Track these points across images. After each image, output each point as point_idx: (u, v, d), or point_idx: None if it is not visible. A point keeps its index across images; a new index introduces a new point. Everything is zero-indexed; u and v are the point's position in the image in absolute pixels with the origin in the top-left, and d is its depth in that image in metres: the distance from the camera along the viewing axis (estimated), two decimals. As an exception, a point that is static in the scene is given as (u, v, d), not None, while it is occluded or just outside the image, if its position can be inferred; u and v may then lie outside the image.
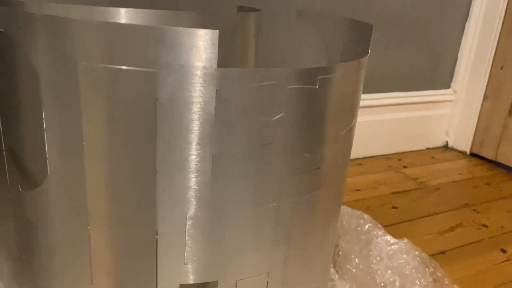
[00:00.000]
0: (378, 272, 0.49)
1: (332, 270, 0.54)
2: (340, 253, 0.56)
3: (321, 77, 0.29)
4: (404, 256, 0.49)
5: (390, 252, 0.50)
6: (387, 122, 1.03)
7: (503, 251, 0.70)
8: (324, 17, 0.47)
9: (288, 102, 0.28)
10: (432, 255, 0.66)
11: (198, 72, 0.25)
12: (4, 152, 0.39)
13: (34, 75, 0.32)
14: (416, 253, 0.59)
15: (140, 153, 0.27)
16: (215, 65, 0.25)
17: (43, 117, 0.32)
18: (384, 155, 1.06)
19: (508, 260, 0.67)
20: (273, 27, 0.72)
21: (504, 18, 0.99)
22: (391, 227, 0.74)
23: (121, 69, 0.25)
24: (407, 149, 1.10)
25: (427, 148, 1.13)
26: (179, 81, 0.25)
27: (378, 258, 0.49)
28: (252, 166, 0.29)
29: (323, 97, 0.30)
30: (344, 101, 0.33)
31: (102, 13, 0.38)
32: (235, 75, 0.26)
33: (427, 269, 0.56)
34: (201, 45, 0.25)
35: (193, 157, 0.27)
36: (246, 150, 0.28)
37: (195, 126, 0.27)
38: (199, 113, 0.26)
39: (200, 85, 0.26)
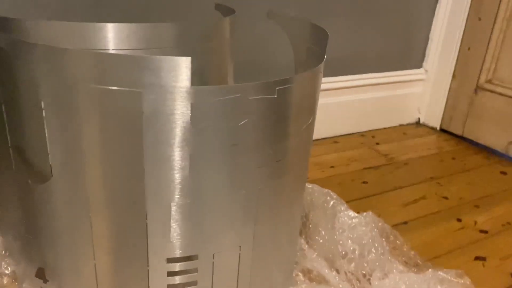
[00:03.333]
0: (341, 242, 0.56)
1: (302, 241, 0.62)
2: (310, 226, 0.63)
3: (279, 88, 0.35)
4: (363, 228, 0.57)
5: (352, 225, 0.57)
6: (362, 102, 1.10)
7: (459, 220, 0.78)
8: (290, 18, 0.53)
9: (251, 110, 0.35)
10: (394, 226, 0.74)
11: (176, 90, 0.31)
12: (11, 149, 0.45)
13: (34, 88, 0.37)
14: (379, 224, 0.66)
15: (130, 155, 0.33)
16: (189, 84, 0.31)
17: (45, 124, 0.38)
18: (359, 132, 1.13)
19: (463, 228, 0.76)
20: (246, 28, 0.77)
21: (471, 1, 1.04)
22: (360, 201, 0.82)
23: (113, 89, 0.31)
24: (381, 126, 1.17)
25: (400, 125, 1.20)
26: (160, 98, 0.31)
27: (341, 230, 0.57)
28: (223, 162, 0.36)
29: (282, 104, 0.37)
30: (302, 103, 0.40)
31: (91, 28, 0.43)
32: (206, 91, 0.32)
33: (386, 238, 0.64)
34: (176, 69, 0.31)
35: (174, 157, 0.34)
36: (217, 150, 0.35)
37: (175, 132, 0.33)
38: (177, 122, 0.33)
39: (177, 100, 0.32)
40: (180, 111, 0.32)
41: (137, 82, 0.31)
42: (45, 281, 0.49)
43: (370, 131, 1.15)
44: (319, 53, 0.47)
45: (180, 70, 0.31)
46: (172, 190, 0.35)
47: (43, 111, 0.37)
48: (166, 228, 0.36)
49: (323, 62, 0.42)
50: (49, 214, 0.39)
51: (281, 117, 0.37)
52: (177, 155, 0.34)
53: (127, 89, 0.31)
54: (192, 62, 0.31)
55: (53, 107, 0.34)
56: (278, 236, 0.45)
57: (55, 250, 0.42)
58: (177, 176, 0.35)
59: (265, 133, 0.37)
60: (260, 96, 0.34)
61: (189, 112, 0.32)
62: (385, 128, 1.17)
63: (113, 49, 0.45)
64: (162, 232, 0.36)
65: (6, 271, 0.56)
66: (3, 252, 0.58)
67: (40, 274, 0.50)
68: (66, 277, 0.43)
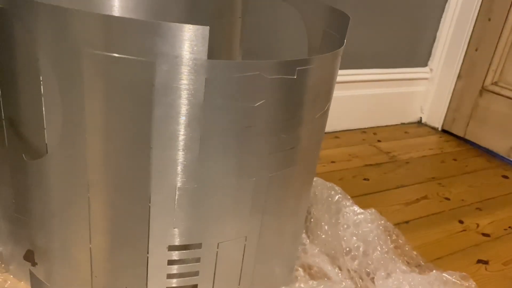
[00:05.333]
0: (345, 238, 0.54)
1: (304, 235, 0.60)
2: (312, 220, 0.61)
3: (299, 68, 0.33)
4: (369, 225, 0.55)
5: (357, 221, 0.55)
6: (365, 97, 1.07)
7: (461, 222, 0.76)
8: (306, 1, 0.50)
9: (268, 91, 0.32)
10: (396, 224, 0.72)
11: (190, 63, 0.29)
12: (4, 121, 0.42)
13: (33, 52, 0.34)
14: (382, 222, 0.64)
15: (136, 131, 0.31)
16: (205, 57, 0.29)
17: (42, 92, 0.35)
18: (360, 128, 1.11)
19: (464, 230, 0.74)
20: (258, 8, 0.74)
21: (482, 1, 1.02)
22: (361, 198, 0.80)
23: (121, 57, 0.28)
24: (382, 124, 1.15)
25: (402, 123, 1.18)
26: (173, 70, 0.29)
27: (345, 226, 0.54)
28: (235, 145, 0.33)
29: (301, 86, 0.34)
30: (320, 88, 0.37)
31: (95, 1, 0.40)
32: (222, 66, 0.30)
33: (389, 237, 0.62)
34: (193, 39, 0.28)
35: (184, 136, 0.31)
36: (230, 131, 0.32)
37: (186, 109, 0.30)
38: (189, 98, 0.30)
39: (191, 74, 0.29)
40: (194, 86, 0.29)
41: (148, 51, 0.28)
42: (34, 264, 0.46)
43: (371, 128, 1.13)
44: (336, 37, 0.45)
45: (197, 40, 0.28)
46: (178, 173, 0.32)
47: (41, 78, 0.34)
48: (169, 213, 0.33)
49: (343, 46, 0.39)
50: (43, 192, 0.37)
51: (298, 100, 0.35)
52: (186, 135, 0.31)
53: (137, 58, 0.28)
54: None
55: (53, 74, 0.31)
56: (284, 228, 0.43)
57: (47, 231, 0.40)
58: (184, 158, 0.32)
59: (281, 116, 0.34)
60: (279, 76, 0.32)
61: (203, 88, 0.30)
62: (386, 126, 1.16)
63: (118, 21, 0.42)
64: (165, 217, 0.33)
65: (-8, 252, 0.53)
66: (-11, 232, 0.55)
67: (29, 256, 0.47)
68: (58, 260, 0.40)
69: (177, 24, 0.27)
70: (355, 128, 1.10)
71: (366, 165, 0.93)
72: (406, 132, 1.13)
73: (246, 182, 0.35)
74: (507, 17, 0.98)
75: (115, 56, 0.28)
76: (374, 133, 1.10)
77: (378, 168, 0.92)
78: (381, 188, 0.84)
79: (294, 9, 0.50)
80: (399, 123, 1.18)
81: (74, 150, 0.32)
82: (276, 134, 0.35)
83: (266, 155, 0.35)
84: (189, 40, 0.28)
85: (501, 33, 1.00)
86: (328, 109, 0.41)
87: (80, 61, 0.29)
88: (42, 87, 0.32)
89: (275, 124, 0.34)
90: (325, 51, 0.48)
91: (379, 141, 1.06)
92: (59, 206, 0.36)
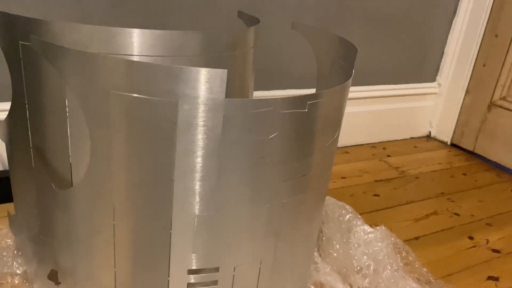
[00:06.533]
0: (356, 257, 0.56)
1: (316, 254, 0.61)
2: (323, 238, 0.63)
3: (310, 102, 0.35)
4: (379, 244, 0.56)
5: (367, 240, 0.57)
6: (374, 113, 1.09)
7: (471, 238, 0.77)
8: (316, 30, 0.52)
9: (281, 124, 0.34)
10: (406, 241, 0.73)
11: (209, 102, 0.31)
12: (32, 149, 0.44)
13: (61, 90, 0.37)
14: (392, 239, 0.66)
15: (159, 165, 0.33)
16: (223, 97, 0.31)
17: (68, 127, 0.37)
18: (370, 143, 1.12)
19: (474, 246, 0.75)
20: (269, 38, 0.77)
21: (489, 18, 1.04)
22: (372, 214, 0.81)
23: (146, 98, 0.31)
24: (392, 138, 1.16)
25: (411, 138, 1.20)
26: (193, 109, 0.31)
27: (356, 245, 0.56)
28: (250, 175, 0.35)
29: (312, 118, 0.36)
30: (330, 118, 0.39)
31: (117, 33, 0.43)
32: (239, 104, 0.32)
33: (399, 254, 0.64)
34: (212, 81, 0.30)
35: (202, 168, 0.33)
36: (245, 162, 0.34)
37: (205, 144, 0.33)
38: (208, 134, 0.32)
39: (210, 112, 0.31)
40: (213, 122, 0.32)
41: (171, 92, 0.30)
42: (57, 283, 0.48)
43: (381, 142, 1.14)
44: (345, 67, 0.47)
45: (216, 82, 0.30)
46: (197, 202, 0.35)
47: (68, 114, 0.37)
48: (189, 239, 0.35)
49: (351, 78, 0.41)
50: (69, 219, 0.39)
51: (309, 131, 0.37)
52: (205, 167, 0.33)
53: (161, 99, 0.31)
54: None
55: (80, 112, 0.34)
56: (297, 250, 0.45)
57: (72, 254, 0.42)
58: (203, 188, 0.34)
59: (293, 146, 0.36)
60: (291, 110, 0.34)
61: (221, 124, 0.32)
62: (396, 140, 1.17)
63: (138, 55, 0.45)
64: (185, 243, 0.36)
65: (18, 271, 0.56)
66: (15, 252, 0.58)
67: (53, 276, 0.49)
68: (82, 282, 0.42)
69: (198, 68, 0.30)
70: (364, 143, 1.12)
71: (376, 181, 0.94)
72: (415, 147, 1.15)
73: (261, 208, 0.37)
74: (514, 33, 1.00)
75: (140, 98, 0.31)
76: (384, 148, 1.11)
77: (388, 183, 0.94)
78: (391, 204, 0.86)
79: (302, 38, 0.53)
80: (408, 137, 1.19)
81: (100, 182, 0.35)
82: (289, 163, 0.37)
83: (279, 183, 0.37)
84: (209, 82, 0.30)
85: (508, 49, 1.01)
86: (338, 136, 0.43)
87: (107, 101, 0.32)
88: (68, 122, 0.35)
89: (288, 154, 0.36)
90: (335, 79, 0.50)
91: (388, 156, 1.07)
92: (85, 232, 0.38)
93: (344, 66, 0.47)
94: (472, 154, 1.13)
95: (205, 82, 0.30)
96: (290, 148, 0.36)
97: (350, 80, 0.41)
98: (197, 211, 0.35)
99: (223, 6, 0.78)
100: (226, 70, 0.30)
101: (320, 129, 0.38)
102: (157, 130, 0.32)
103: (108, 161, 0.34)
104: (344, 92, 0.40)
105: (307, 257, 0.48)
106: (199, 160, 0.33)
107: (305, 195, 0.40)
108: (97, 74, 0.31)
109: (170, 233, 0.35)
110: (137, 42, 0.44)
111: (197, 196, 0.34)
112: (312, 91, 0.46)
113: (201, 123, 0.32)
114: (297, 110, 0.34)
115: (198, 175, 0.34)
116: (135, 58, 0.44)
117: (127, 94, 0.31)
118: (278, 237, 0.40)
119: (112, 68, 0.31)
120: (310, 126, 0.37)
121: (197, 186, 0.34)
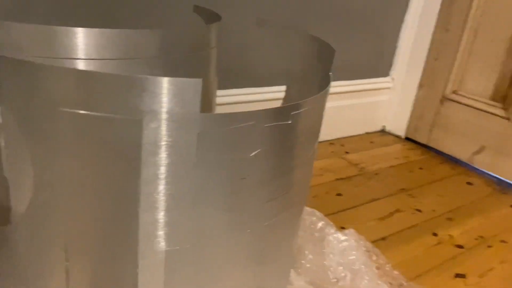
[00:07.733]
0: (331, 268, 0.53)
1: (287, 265, 0.58)
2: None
3: (293, 113, 0.31)
4: (353, 252, 0.53)
5: (341, 249, 0.54)
6: (331, 110, 1.07)
7: (435, 234, 0.77)
8: (284, 28, 0.48)
9: (264, 139, 0.30)
10: (374, 241, 0.72)
11: (181, 118, 0.26)
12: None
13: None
14: (361, 242, 0.64)
15: (121, 194, 0.27)
16: (197, 111, 0.26)
17: (2, 153, 0.31)
18: (328, 140, 1.11)
19: (439, 243, 0.75)
20: (232, 36, 0.71)
21: (439, 13, 1.05)
22: (337, 215, 0.79)
23: (103, 116, 0.25)
24: (348, 134, 1.15)
25: (366, 133, 1.20)
26: (162, 127, 0.26)
27: (331, 256, 0.53)
28: (229, 199, 0.30)
29: (295, 130, 0.32)
30: (313, 128, 0.35)
31: (61, 33, 0.36)
32: (216, 119, 0.27)
33: (369, 258, 0.62)
34: (184, 93, 0.25)
35: (175, 195, 0.28)
36: (223, 186, 0.30)
37: (176, 167, 0.27)
38: (180, 155, 0.27)
39: (182, 130, 0.26)
40: (185, 142, 0.27)
41: (134, 108, 0.25)
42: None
43: (338, 139, 1.13)
44: (319, 67, 0.43)
45: (189, 94, 0.25)
46: (168, 234, 0.29)
47: (2, 136, 0.30)
48: (159, 279, 0.30)
49: (330, 83, 0.37)
50: (13, 259, 0.32)
51: (293, 144, 0.33)
52: (176, 194, 0.28)
53: (122, 116, 0.25)
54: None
55: (18, 132, 0.28)
56: (277, 271, 0.40)
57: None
58: (174, 219, 0.29)
59: (275, 163, 0.32)
60: (274, 123, 0.30)
61: (195, 143, 0.27)
62: (352, 136, 1.16)
63: (84, 58, 0.38)
64: (155, 283, 0.30)
65: None
66: None
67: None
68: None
69: (167, 78, 0.24)
70: (323, 140, 1.10)
71: (338, 179, 0.92)
72: (371, 142, 1.14)
73: (241, 235, 0.32)
74: (464, 27, 1.01)
75: (95, 115, 0.25)
76: (342, 145, 1.10)
77: (349, 181, 0.92)
78: (355, 203, 0.84)
79: (269, 37, 0.48)
80: (363, 132, 1.19)
81: (46, 216, 0.29)
82: (271, 182, 0.32)
83: (261, 205, 0.33)
84: (180, 95, 0.25)
85: (459, 43, 1.03)
86: (317, 147, 0.39)
87: (53, 119, 0.26)
88: (3, 147, 0.28)
89: (271, 171, 0.32)
90: (308, 79, 0.46)
91: (347, 152, 1.06)
92: (32, 276, 0.31)
93: (317, 66, 0.43)
94: (426, 147, 1.14)
95: (175, 95, 0.25)
96: (272, 165, 0.32)
97: (329, 87, 0.37)
98: (168, 245, 0.29)
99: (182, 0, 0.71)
100: (201, 79, 0.25)
101: (303, 141, 0.34)
102: (118, 154, 0.26)
103: (57, 191, 0.28)
104: (325, 98, 0.36)
105: (285, 274, 0.44)
106: (168, 187, 0.28)
107: (288, 212, 0.36)
108: (39, 87, 0.25)
109: (137, 273, 0.29)
110: (83, 43, 0.37)
111: (167, 228, 0.29)
112: (280, 88, 0.41)
113: (171, 143, 0.26)
114: (281, 123, 0.30)
115: (167, 204, 0.28)
116: (81, 62, 0.38)
117: (79, 111, 0.25)
118: (260, 262, 0.35)
119: (58, 80, 0.25)
120: (293, 138, 0.32)
121: (167, 217, 0.29)
